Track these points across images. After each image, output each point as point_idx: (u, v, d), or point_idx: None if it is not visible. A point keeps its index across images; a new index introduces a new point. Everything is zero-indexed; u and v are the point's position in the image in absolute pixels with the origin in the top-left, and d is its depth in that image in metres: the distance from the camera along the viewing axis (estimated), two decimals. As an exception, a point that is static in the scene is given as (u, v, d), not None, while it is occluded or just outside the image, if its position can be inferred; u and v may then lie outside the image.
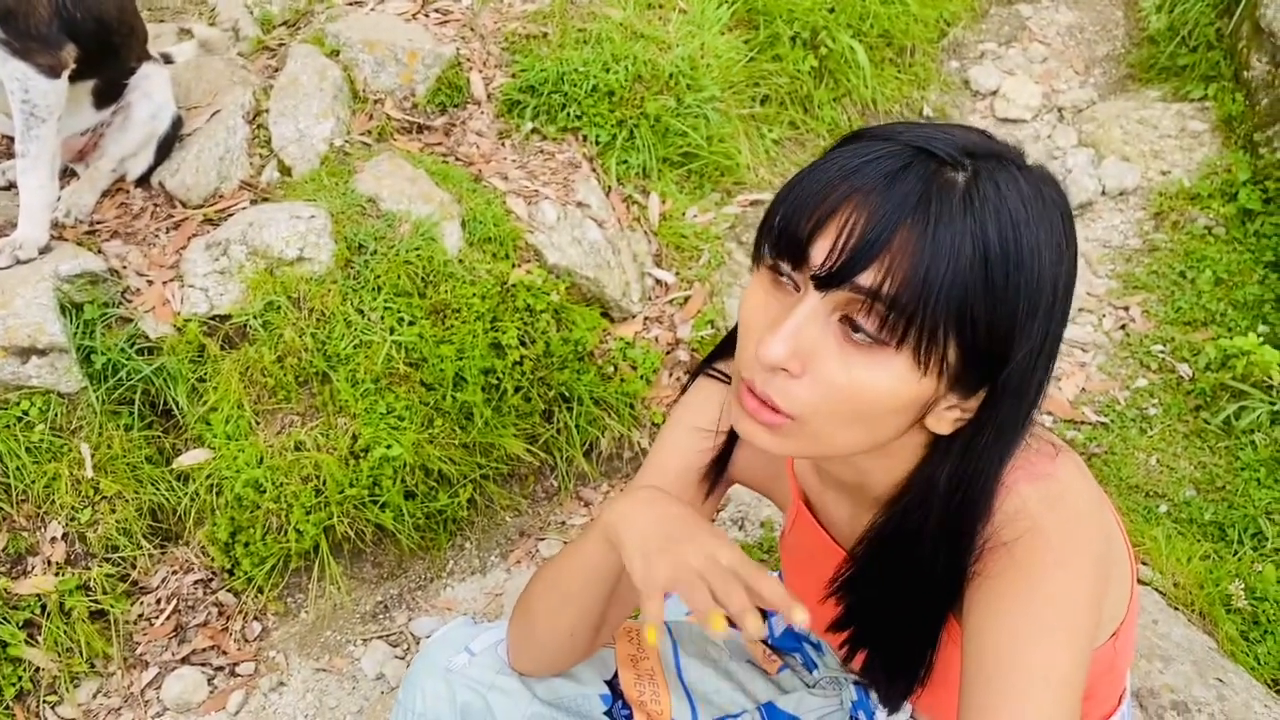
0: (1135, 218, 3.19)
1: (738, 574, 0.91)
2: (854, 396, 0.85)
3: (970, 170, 0.83)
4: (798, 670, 1.40)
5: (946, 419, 0.90)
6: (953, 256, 0.80)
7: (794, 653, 1.42)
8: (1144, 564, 2.12)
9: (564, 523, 2.45)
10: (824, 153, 0.92)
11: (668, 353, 2.59)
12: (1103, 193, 3.28)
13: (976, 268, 0.81)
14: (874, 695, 1.27)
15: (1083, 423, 2.60)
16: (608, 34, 2.83)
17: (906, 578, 0.97)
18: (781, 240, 0.87)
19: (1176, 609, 1.98)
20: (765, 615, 1.51)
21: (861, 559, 1.01)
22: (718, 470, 1.22)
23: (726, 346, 1.19)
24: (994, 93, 3.68)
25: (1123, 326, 2.86)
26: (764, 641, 1.46)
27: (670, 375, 2.56)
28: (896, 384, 0.85)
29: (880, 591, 1.00)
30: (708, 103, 2.87)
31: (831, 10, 3.26)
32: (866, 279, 0.82)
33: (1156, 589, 2.03)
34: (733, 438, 1.20)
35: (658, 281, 2.69)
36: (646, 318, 2.62)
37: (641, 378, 2.52)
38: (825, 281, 0.83)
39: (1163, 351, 2.74)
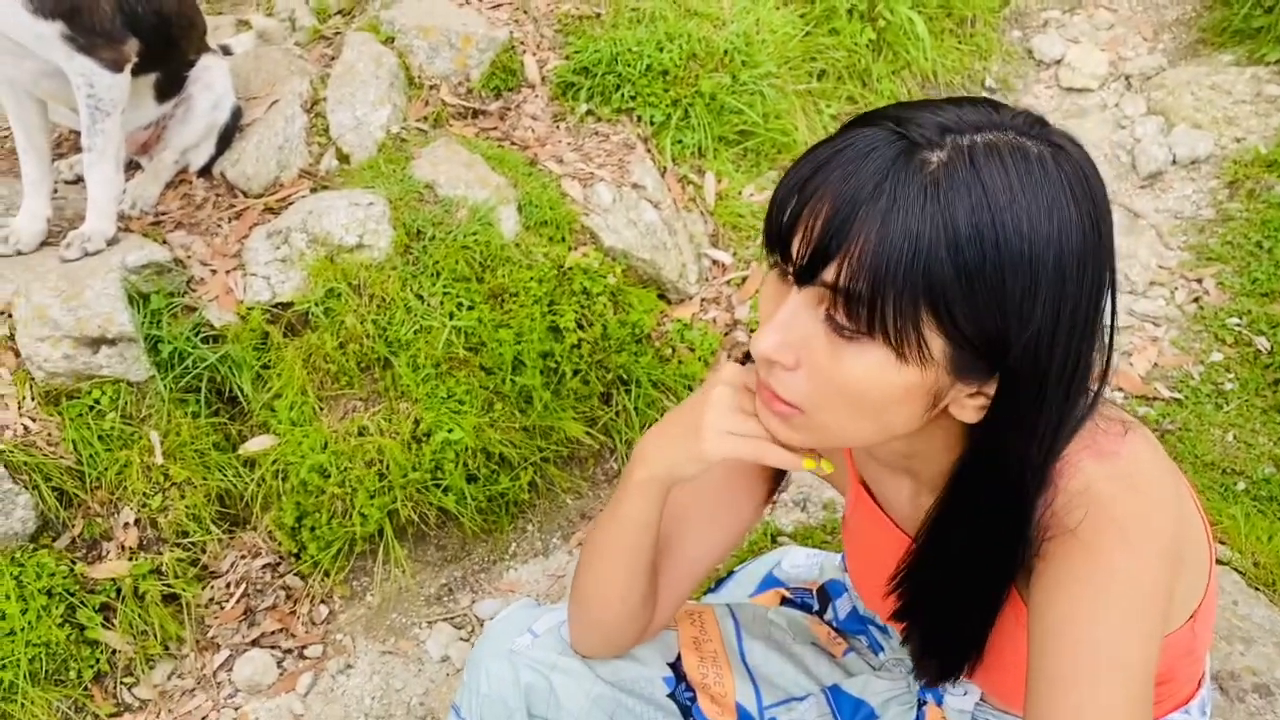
0: (1208, 187, 3.08)
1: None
2: (844, 387, 0.85)
3: (947, 149, 0.80)
4: (863, 653, 1.38)
5: (969, 406, 0.88)
6: (911, 242, 0.78)
7: (859, 635, 1.40)
8: (1222, 543, 2.05)
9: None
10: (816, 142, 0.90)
11: (725, 334, 2.56)
12: (1173, 162, 3.17)
13: (942, 252, 0.78)
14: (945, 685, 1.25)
15: (1155, 399, 2.52)
16: (661, 12, 2.80)
17: (961, 564, 0.95)
18: (770, 234, 0.87)
19: (1257, 589, 1.92)
20: (830, 598, 1.49)
21: (923, 545, 0.99)
22: None
23: None
24: (1058, 62, 3.59)
25: (1196, 299, 2.77)
26: (829, 624, 1.44)
27: (728, 356, 2.54)
28: (880, 373, 0.83)
29: (937, 577, 0.98)
30: (764, 79, 2.83)
31: (889, -19, 3.20)
32: (829, 273, 0.81)
33: (1236, 569, 1.97)
34: None
35: (714, 262, 2.67)
36: (704, 299, 2.60)
37: (699, 359, 2.50)
38: (800, 276, 0.83)
39: (1239, 325, 2.65)
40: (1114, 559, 0.87)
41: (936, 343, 0.81)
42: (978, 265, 0.78)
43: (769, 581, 1.67)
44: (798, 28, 3.03)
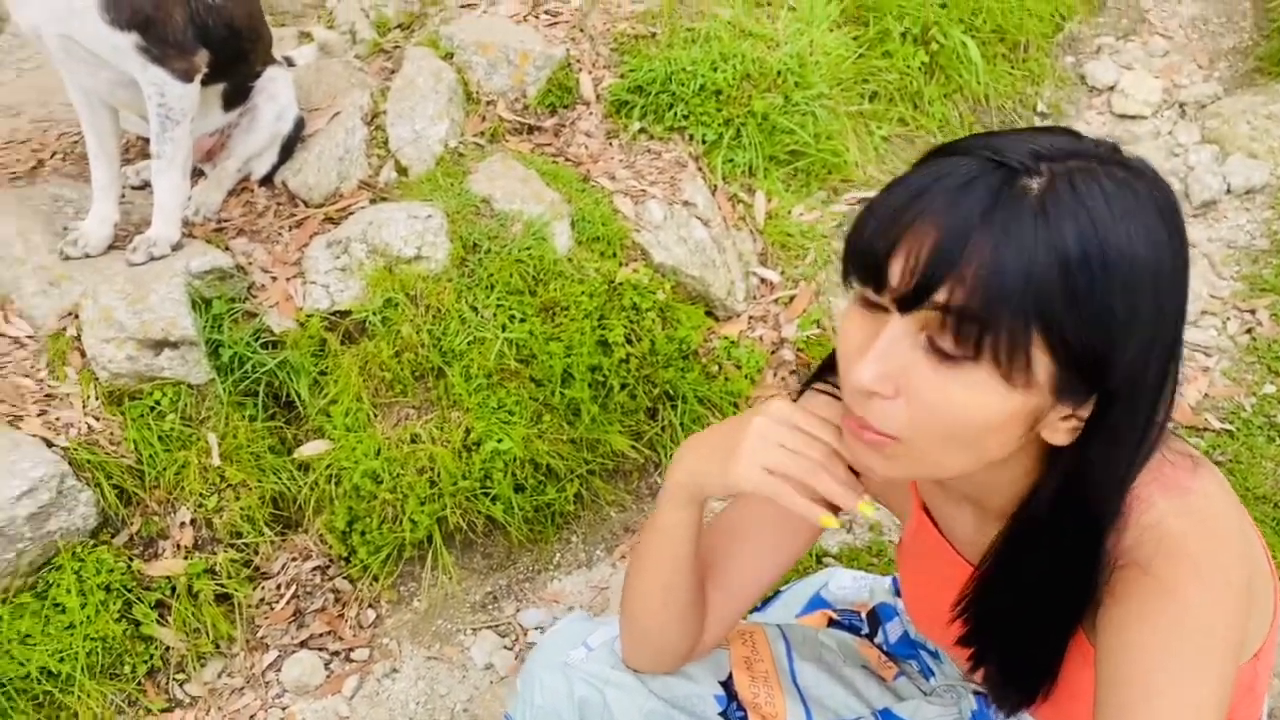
0: (1263, 217, 3.06)
1: (805, 430, 1.00)
2: (947, 414, 0.85)
3: (1045, 175, 0.81)
4: (914, 678, 1.39)
5: (1061, 429, 0.88)
6: (1026, 265, 0.79)
7: (910, 660, 1.41)
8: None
9: (668, 520, 2.46)
10: (902, 172, 0.92)
11: (772, 352, 2.58)
12: (1227, 191, 3.15)
13: (1054, 274, 0.79)
14: (993, 707, 1.25)
15: (1205, 430, 2.51)
16: (716, 33, 2.83)
17: (1034, 591, 0.95)
18: (862, 264, 0.87)
19: (1307, 626, 1.90)
20: (880, 621, 1.50)
21: (988, 574, 0.99)
22: None
23: (834, 360, 1.19)
24: (1111, 88, 3.57)
25: (1249, 330, 2.75)
26: (879, 647, 1.45)
27: (775, 374, 2.56)
28: (986, 398, 0.83)
29: (1008, 604, 0.99)
30: (816, 100, 2.85)
31: (943, 5, 3.21)
32: (941, 295, 0.81)
33: (1286, 605, 1.95)
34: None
35: (763, 280, 2.69)
36: (751, 316, 2.62)
37: (746, 377, 2.52)
38: (904, 301, 0.84)
39: (1292, 357, 2.63)
40: (1188, 596, 0.87)
41: (1043, 365, 0.82)
42: (1087, 286, 0.79)
43: (816, 602, 1.68)
44: (851, 50, 3.05)
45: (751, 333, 2.57)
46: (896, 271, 0.84)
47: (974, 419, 0.85)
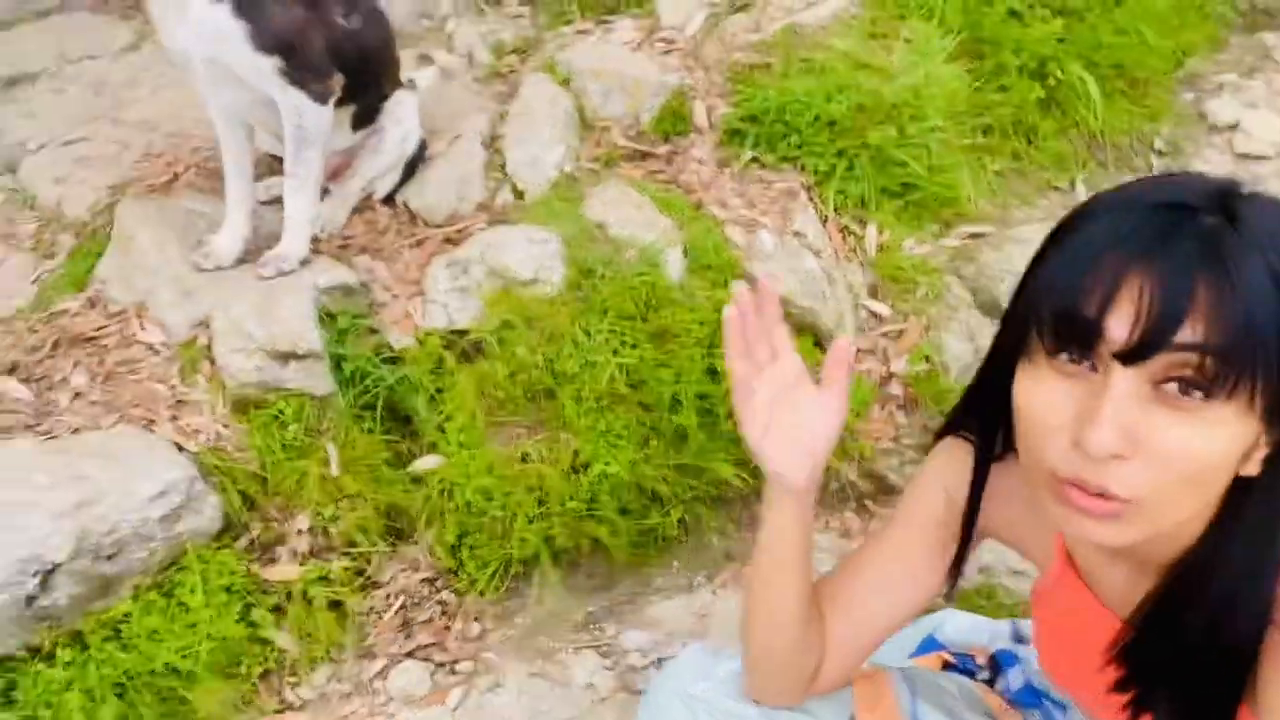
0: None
1: None
2: (1189, 461, 0.84)
3: (1227, 210, 0.83)
4: (1038, 727, 1.37)
5: (1255, 459, 0.87)
6: (1260, 294, 0.80)
7: (1034, 709, 1.39)
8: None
9: (769, 549, 2.46)
10: (1054, 234, 0.92)
11: (880, 386, 2.57)
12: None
13: (1275, 300, 0.80)
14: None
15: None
16: (831, 64, 2.84)
17: (1202, 642, 0.93)
18: (1064, 328, 0.86)
19: None
20: (1002, 667, 1.48)
21: (1148, 625, 0.98)
22: (967, 527, 1.22)
23: (970, 404, 1.19)
24: (1233, 127, 3.48)
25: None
26: (1001, 694, 1.43)
27: (882, 409, 2.54)
28: (1231, 435, 0.83)
29: (1172, 657, 0.97)
30: (930, 133, 2.84)
31: (1061, 40, 3.17)
32: (1185, 336, 0.81)
33: None
34: (976, 497, 1.19)
35: (872, 313, 2.68)
36: (860, 349, 2.61)
37: (853, 410, 2.50)
38: (1136, 353, 0.82)
39: None
40: None
41: (1272, 392, 0.82)
42: None
43: (929, 644, 1.67)
44: (966, 83, 3.03)
45: (860, 365, 2.56)
46: (1119, 326, 0.83)
47: (1214, 460, 0.84)
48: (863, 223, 2.77)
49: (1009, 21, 3.14)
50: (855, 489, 2.48)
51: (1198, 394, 0.82)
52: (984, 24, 3.09)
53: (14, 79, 3.21)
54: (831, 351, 1.16)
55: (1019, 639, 1.54)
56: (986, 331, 2.64)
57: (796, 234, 2.66)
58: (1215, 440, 0.83)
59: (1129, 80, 3.34)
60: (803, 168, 2.79)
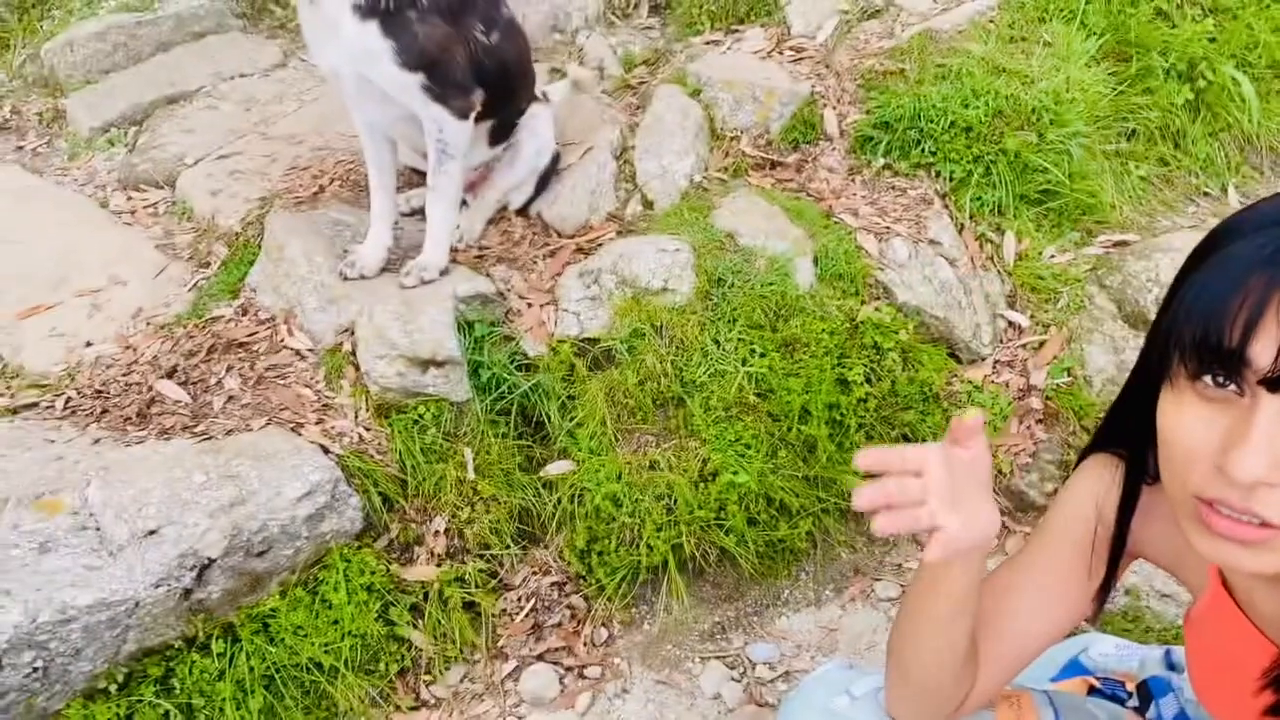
0: None
1: None
2: None
3: None
4: (1192, 755, 1.31)
5: None
6: None
7: (1188, 737, 1.33)
8: None
9: (900, 565, 2.42)
10: (1199, 251, 0.89)
11: (1018, 399, 2.49)
12: None
13: None
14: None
15: None
16: (968, 69, 2.78)
17: None
18: (1208, 352, 0.83)
19: None
20: (1152, 695, 1.43)
21: None
22: (1115, 547, 1.17)
23: (1116, 422, 1.16)
24: (1403, 127, 3.27)
25: None
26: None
27: (1020, 423, 2.47)
28: None
29: None
30: (1071, 138, 2.75)
31: (1212, 40, 3.03)
32: None
33: None
34: (1126, 517, 1.15)
35: (1010, 324, 2.60)
36: (997, 361, 2.54)
37: (990, 424, 2.44)
38: (1276, 381, 0.80)
39: None
40: None
41: None
42: None
43: (1073, 668, 1.61)
44: (1109, 86, 2.92)
45: (997, 378, 2.49)
46: (1264, 353, 0.80)
47: None
48: (1000, 231, 2.70)
49: (1156, 22, 3.02)
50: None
51: None
52: (1129, 25, 2.97)
53: (173, 97, 3.40)
54: (963, 425, 1.07)
55: (1172, 666, 1.47)
56: (1132, 344, 2.54)
57: (931, 242, 2.61)
58: None
59: (1287, 80, 3.18)
60: (937, 175, 2.73)
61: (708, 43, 3.21)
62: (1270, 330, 0.79)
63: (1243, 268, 0.81)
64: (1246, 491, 0.83)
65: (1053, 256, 2.68)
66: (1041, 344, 2.54)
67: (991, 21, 2.93)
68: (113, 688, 1.91)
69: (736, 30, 3.22)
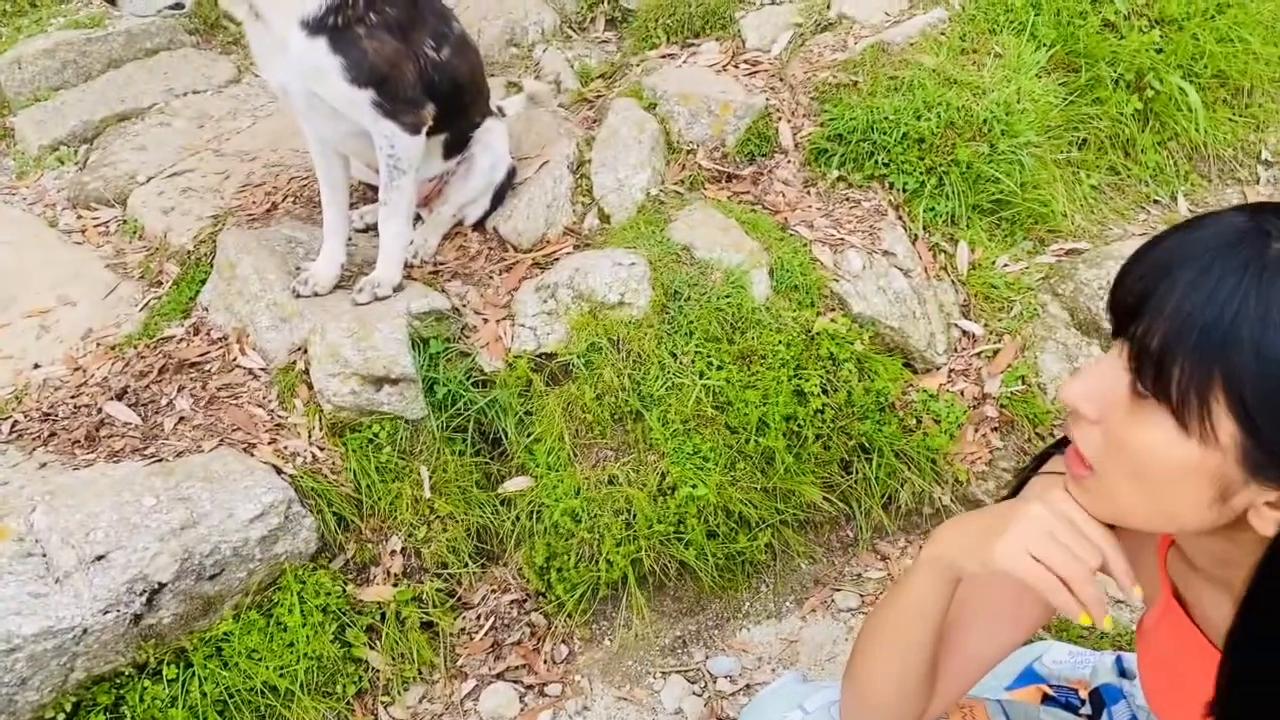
0: None
1: (1082, 531, 0.97)
2: (1127, 450, 0.88)
3: (1258, 239, 0.81)
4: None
5: (1270, 518, 0.85)
6: (1215, 310, 0.80)
7: (1141, 746, 1.34)
8: None
9: (860, 575, 2.42)
10: None
11: (974, 407, 2.51)
12: None
13: (1245, 329, 0.79)
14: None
15: None
16: (920, 81, 2.80)
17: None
18: (1110, 296, 0.92)
19: None
20: (1104, 703, 1.44)
21: (1231, 662, 0.94)
22: None
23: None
24: (1346, 134, 3.33)
25: None
26: (1106, 730, 1.38)
27: (976, 431, 2.49)
28: (1161, 442, 0.84)
29: (1263, 695, 0.93)
30: (1022, 148, 2.77)
31: (1159, 51, 3.08)
32: (1138, 328, 0.84)
33: None
34: None
35: (965, 333, 2.62)
36: (952, 370, 2.56)
37: (945, 432, 2.46)
38: (1115, 329, 0.89)
39: None
40: None
41: (1226, 425, 0.81)
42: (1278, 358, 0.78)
43: (1028, 676, 1.62)
44: (1059, 97, 2.96)
45: (952, 387, 2.51)
46: (1116, 305, 0.89)
47: (1149, 463, 0.86)
48: (954, 241, 2.72)
49: (1104, 33, 3.06)
50: (949, 513, 2.43)
51: (1147, 391, 0.85)
52: (1078, 36, 3.01)
53: (125, 114, 3.36)
54: None
55: (1123, 673, 1.48)
56: (1085, 351, 2.57)
57: (885, 253, 2.62)
58: (1149, 440, 0.85)
59: (1232, 89, 3.23)
60: (891, 186, 2.75)
61: (663, 56, 3.21)
62: (1127, 283, 0.87)
63: (1161, 237, 0.89)
64: (1075, 421, 0.92)
65: (1006, 265, 2.71)
66: (996, 352, 2.56)
67: (943, 34, 2.96)
68: (60, 717, 1.87)
69: (692, 44, 3.23)
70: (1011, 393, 2.49)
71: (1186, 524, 0.90)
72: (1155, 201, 3.11)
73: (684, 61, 3.14)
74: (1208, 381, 0.80)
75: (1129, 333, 0.86)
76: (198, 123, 3.33)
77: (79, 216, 3.01)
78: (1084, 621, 0.98)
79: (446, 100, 2.36)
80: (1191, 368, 0.81)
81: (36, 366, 2.46)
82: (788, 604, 2.38)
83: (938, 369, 2.55)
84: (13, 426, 2.26)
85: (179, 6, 2.08)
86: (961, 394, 2.51)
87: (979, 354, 2.58)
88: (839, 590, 2.39)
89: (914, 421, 2.47)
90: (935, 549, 1.09)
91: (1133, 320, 0.85)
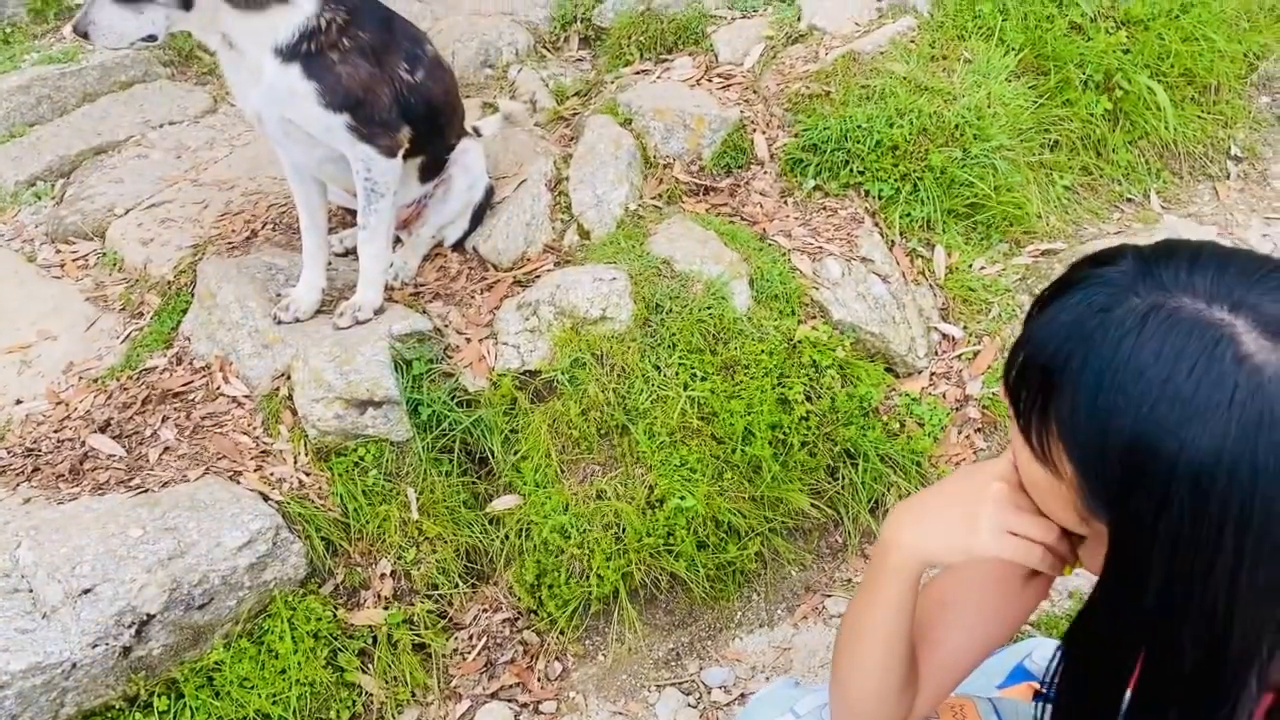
0: None
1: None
2: (1017, 457, 0.93)
3: (1150, 298, 0.80)
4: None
5: (1094, 554, 0.91)
6: (1053, 345, 0.83)
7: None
8: None
9: (850, 580, 2.43)
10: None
11: (956, 409, 2.53)
12: None
13: (1075, 364, 0.81)
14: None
15: None
16: (891, 89, 2.83)
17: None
18: None
19: None
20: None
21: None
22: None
23: None
24: (1313, 127, 3.38)
25: None
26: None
27: (959, 432, 2.50)
28: (1024, 458, 0.90)
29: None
30: (995, 152, 2.81)
31: (1126, 51, 3.12)
32: (1018, 349, 0.90)
33: None
34: None
35: (945, 336, 2.64)
36: (933, 373, 2.58)
37: (929, 435, 2.47)
38: None
39: None
40: None
41: (1064, 461, 0.84)
42: (1106, 405, 0.79)
43: (1018, 674, 1.62)
44: (1029, 100, 2.99)
45: (934, 390, 2.53)
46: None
47: (1027, 474, 0.92)
48: (930, 245, 2.74)
49: (1071, 36, 3.10)
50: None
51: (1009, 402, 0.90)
52: (1046, 40, 3.05)
53: (101, 147, 3.36)
54: None
55: (1113, 666, 1.49)
56: (1064, 350, 2.59)
57: (863, 260, 2.64)
58: (1023, 459, 0.90)
59: (1200, 87, 3.27)
60: (866, 193, 2.78)
61: (638, 73, 3.23)
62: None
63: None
64: None
65: (982, 268, 2.73)
66: (976, 354, 2.58)
67: (912, 42, 2.99)
68: (51, 753, 1.86)
69: (665, 60, 3.25)
70: (993, 394, 2.51)
71: (1077, 530, 0.94)
72: (1129, 200, 3.15)
73: (658, 77, 3.16)
74: (1046, 417, 0.84)
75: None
76: (175, 153, 3.33)
77: (58, 251, 3.01)
78: (1067, 574, 1.03)
79: (422, 122, 2.37)
80: (1031, 400, 0.85)
81: (19, 402, 2.46)
82: (779, 612, 2.39)
83: (919, 373, 2.57)
84: (-4, 463, 2.25)
85: (152, 39, 2.08)
86: (944, 396, 2.53)
87: (959, 356, 2.60)
88: (830, 596, 2.39)
89: (898, 425, 2.48)
90: (899, 545, 1.10)
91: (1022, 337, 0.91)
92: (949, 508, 1.07)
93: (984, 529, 1.01)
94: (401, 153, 2.34)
